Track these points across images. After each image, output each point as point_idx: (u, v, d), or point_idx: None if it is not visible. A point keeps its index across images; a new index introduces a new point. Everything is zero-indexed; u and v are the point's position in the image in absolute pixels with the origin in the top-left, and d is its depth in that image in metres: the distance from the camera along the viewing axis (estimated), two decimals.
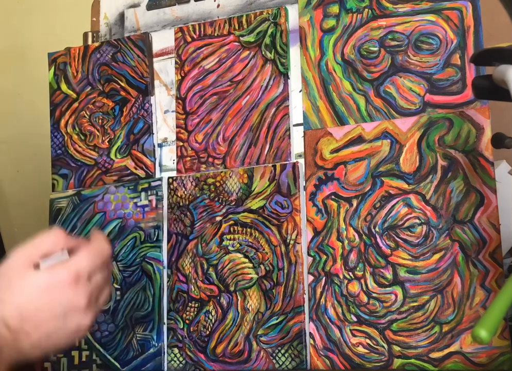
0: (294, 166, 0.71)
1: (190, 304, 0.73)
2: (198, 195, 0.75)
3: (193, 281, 0.74)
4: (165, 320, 0.74)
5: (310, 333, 0.68)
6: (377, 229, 0.67)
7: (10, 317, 0.50)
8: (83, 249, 0.55)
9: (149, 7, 0.86)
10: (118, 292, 0.77)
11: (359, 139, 0.70)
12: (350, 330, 0.66)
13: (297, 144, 0.74)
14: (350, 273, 0.67)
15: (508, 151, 0.60)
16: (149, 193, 0.78)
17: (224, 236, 0.73)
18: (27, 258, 0.53)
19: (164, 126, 0.81)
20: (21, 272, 0.53)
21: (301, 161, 0.72)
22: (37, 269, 0.53)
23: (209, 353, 0.71)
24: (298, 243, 0.70)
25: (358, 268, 0.67)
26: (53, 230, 0.55)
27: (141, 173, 0.79)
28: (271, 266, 0.70)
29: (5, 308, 0.51)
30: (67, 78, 0.85)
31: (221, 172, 0.75)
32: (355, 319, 0.66)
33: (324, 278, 0.68)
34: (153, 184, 0.78)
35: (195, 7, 0.83)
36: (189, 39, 0.80)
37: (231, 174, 0.74)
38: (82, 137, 0.84)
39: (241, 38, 0.77)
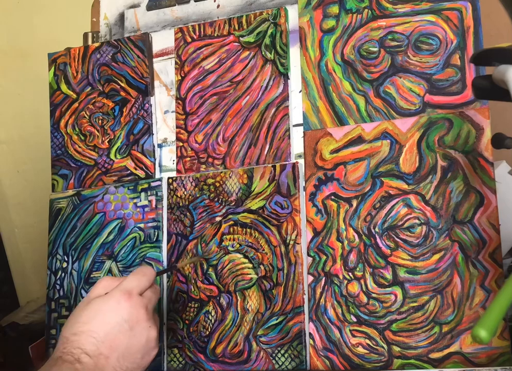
0: (294, 166, 0.71)
1: (190, 304, 0.73)
2: (198, 195, 0.75)
3: (193, 281, 0.74)
4: (165, 321, 0.74)
5: (310, 333, 0.68)
6: (377, 229, 0.67)
7: (87, 344, 0.55)
8: (130, 274, 0.62)
9: (149, 7, 0.86)
10: None
11: (359, 140, 0.70)
12: (349, 330, 0.66)
13: (297, 144, 0.74)
14: (350, 273, 0.67)
15: (508, 152, 0.60)
16: (149, 193, 0.78)
17: (224, 236, 0.73)
18: (86, 301, 0.59)
19: (164, 126, 0.81)
20: (84, 306, 0.59)
21: (301, 161, 0.72)
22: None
23: (209, 353, 0.71)
24: (298, 243, 0.70)
25: (357, 269, 0.67)
26: (103, 278, 0.62)
27: (141, 173, 0.80)
28: (270, 266, 0.70)
29: (81, 338, 0.55)
30: (67, 78, 0.86)
31: (221, 172, 0.75)
32: (354, 320, 0.66)
33: (323, 278, 0.68)
34: (153, 184, 0.78)
35: (195, 8, 0.83)
36: (189, 39, 0.80)
37: (230, 175, 0.74)
38: (82, 138, 0.84)
39: (241, 38, 0.77)
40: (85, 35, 0.89)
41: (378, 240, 0.67)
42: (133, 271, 0.62)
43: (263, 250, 0.71)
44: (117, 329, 0.57)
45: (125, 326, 0.57)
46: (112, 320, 0.57)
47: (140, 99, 0.81)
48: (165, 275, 0.75)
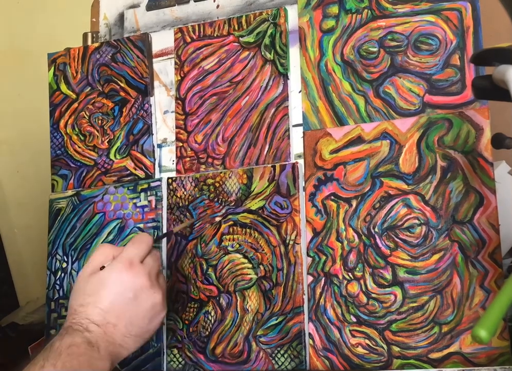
0: (294, 166, 0.71)
1: (189, 304, 0.73)
2: (198, 196, 0.75)
3: (193, 281, 0.74)
4: (164, 321, 0.74)
5: (309, 333, 0.68)
6: (376, 230, 0.67)
7: (94, 315, 0.58)
8: (128, 243, 0.63)
9: (149, 8, 0.86)
10: None
11: (358, 140, 0.70)
12: (349, 330, 0.66)
13: (296, 144, 0.74)
14: (349, 273, 0.67)
15: (508, 152, 0.60)
16: (149, 193, 0.78)
17: (224, 236, 0.73)
18: (89, 271, 0.61)
19: (164, 127, 0.81)
20: (88, 278, 0.61)
21: (301, 161, 0.72)
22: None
23: (208, 353, 0.71)
24: (297, 243, 0.69)
25: (357, 269, 0.67)
26: (101, 245, 0.64)
27: (140, 173, 0.79)
28: (270, 266, 0.70)
29: (88, 309, 0.59)
30: (66, 79, 0.86)
31: (221, 172, 0.75)
32: (354, 320, 0.66)
33: (323, 279, 0.68)
34: (152, 184, 0.78)
35: (195, 8, 0.83)
36: (188, 39, 0.80)
37: (230, 175, 0.74)
38: (82, 138, 0.84)
39: (240, 38, 0.77)
40: (85, 35, 0.89)
41: (377, 240, 0.67)
42: (131, 239, 0.63)
43: (263, 250, 0.71)
44: (121, 299, 0.59)
45: (129, 295, 0.59)
46: (115, 290, 0.59)
47: (140, 99, 0.81)
48: (164, 272, 0.75)
